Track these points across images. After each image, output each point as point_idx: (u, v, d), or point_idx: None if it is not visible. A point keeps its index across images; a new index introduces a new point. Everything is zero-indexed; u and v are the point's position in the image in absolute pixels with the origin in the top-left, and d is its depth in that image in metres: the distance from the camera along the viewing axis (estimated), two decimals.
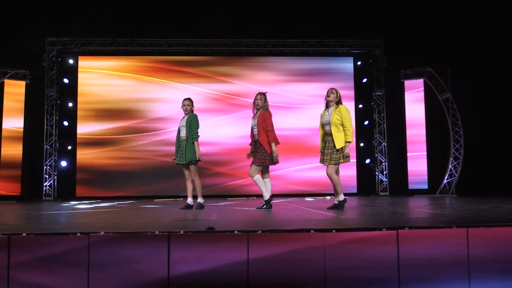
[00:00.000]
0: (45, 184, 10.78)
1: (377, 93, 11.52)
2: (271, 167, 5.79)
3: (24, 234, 2.78)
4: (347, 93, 10.91)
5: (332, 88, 5.20)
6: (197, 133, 5.74)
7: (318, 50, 11.42)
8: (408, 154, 10.97)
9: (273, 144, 5.49)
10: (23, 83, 10.57)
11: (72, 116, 11.04)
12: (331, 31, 11.16)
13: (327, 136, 5.13)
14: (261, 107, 5.64)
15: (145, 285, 2.67)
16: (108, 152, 10.94)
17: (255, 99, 5.69)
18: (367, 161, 11.51)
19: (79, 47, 11.10)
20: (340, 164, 5.08)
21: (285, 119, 10.83)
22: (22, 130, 10.43)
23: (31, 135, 10.69)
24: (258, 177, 5.60)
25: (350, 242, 2.80)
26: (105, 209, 6.16)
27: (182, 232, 2.79)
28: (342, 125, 5.01)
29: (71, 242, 2.72)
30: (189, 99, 5.90)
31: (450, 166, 10.68)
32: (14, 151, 10.28)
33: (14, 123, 10.37)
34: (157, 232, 2.78)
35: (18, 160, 10.30)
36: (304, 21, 10.89)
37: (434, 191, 10.64)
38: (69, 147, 10.93)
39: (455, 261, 2.82)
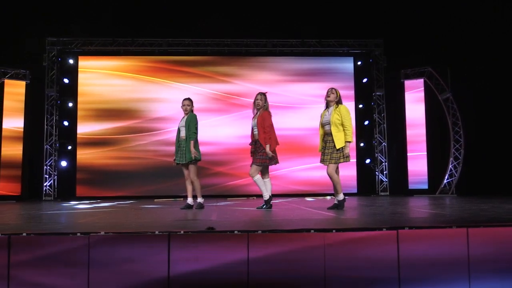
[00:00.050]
0: (45, 184, 10.78)
1: (377, 93, 11.52)
2: (271, 167, 5.79)
3: (24, 234, 2.78)
4: (347, 93, 10.90)
5: (332, 88, 5.20)
6: (195, 132, 5.72)
7: (318, 50, 11.43)
8: (408, 154, 10.97)
9: (267, 146, 5.47)
10: (23, 83, 10.57)
11: (72, 116, 11.04)
12: (331, 31, 11.16)
13: (327, 136, 5.13)
14: (261, 107, 5.64)
15: (145, 285, 2.67)
16: (108, 152, 10.95)
17: (255, 99, 5.69)
18: (367, 161, 11.51)
19: (79, 47, 11.10)
20: (340, 164, 5.08)
21: (285, 119, 10.82)
22: (22, 130, 10.43)
23: (31, 135, 10.70)
24: (258, 177, 5.59)
25: (350, 242, 2.80)
26: (105, 209, 6.16)
27: (182, 232, 2.79)
28: (342, 125, 5.01)
29: (71, 242, 2.72)
30: (188, 99, 5.90)
31: (450, 166, 10.69)
32: (14, 151, 10.28)
33: (14, 123, 10.37)
34: (157, 232, 2.78)
35: (18, 160, 10.30)
36: (304, 21, 10.89)
37: (434, 191, 10.64)
38: (69, 147, 10.93)
39: (455, 261, 2.82)
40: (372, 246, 2.79)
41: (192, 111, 5.87)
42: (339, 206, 5.21)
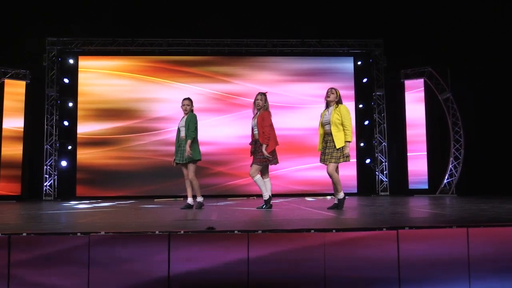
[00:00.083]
0: (45, 184, 10.78)
1: (377, 93, 11.52)
2: (271, 167, 5.79)
3: (24, 234, 2.78)
4: (347, 93, 10.91)
5: (332, 88, 5.20)
6: (194, 131, 5.68)
7: (318, 50, 11.43)
8: (408, 154, 10.97)
9: (264, 146, 5.46)
10: (23, 83, 10.58)
11: (72, 116, 11.04)
12: (331, 31, 11.16)
13: (327, 135, 5.13)
14: (262, 107, 5.64)
15: (145, 285, 2.67)
16: (108, 152, 10.95)
17: (256, 99, 5.68)
18: (367, 161, 11.51)
19: (79, 47, 11.10)
20: (340, 164, 5.09)
21: (285, 119, 10.82)
22: (22, 130, 10.44)
23: (31, 135, 10.70)
24: (258, 177, 5.59)
25: (350, 242, 2.80)
26: (105, 209, 6.16)
27: (182, 232, 2.79)
28: (342, 124, 5.01)
29: (71, 242, 2.72)
30: (188, 99, 5.89)
31: (450, 166, 10.69)
32: (14, 151, 10.28)
33: (14, 123, 10.37)
34: (157, 232, 2.78)
35: (18, 160, 10.30)
36: (304, 21, 10.89)
37: (434, 191, 10.64)
38: (69, 147, 10.93)
39: (455, 261, 2.82)
40: (372, 246, 2.79)
41: (192, 111, 5.86)
42: (339, 205, 5.21)
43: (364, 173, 11.46)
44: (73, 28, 10.74)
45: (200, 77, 11.26)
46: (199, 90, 11.09)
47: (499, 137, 9.66)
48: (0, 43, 9.99)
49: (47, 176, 10.82)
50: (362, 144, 11.42)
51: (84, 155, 10.92)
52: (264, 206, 5.64)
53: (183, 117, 5.85)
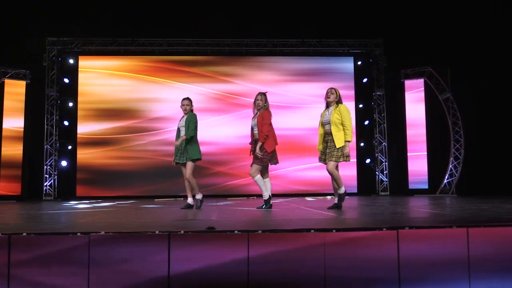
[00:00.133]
0: (45, 184, 10.78)
1: (377, 93, 11.52)
2: (271, 167, 5.79)
3: (24, 234, 2.78)
4: (347, 93, 10.90)
5: (332, 88, 5.20)
6: (194, 130, 5.66)
7: (318, 50, 11.43)
8: (408, 154, 10.97)
9: (259, 143, 5.45)
10: (23, 83, 10.58)
11: (72, 116, 11.04)
12: (331, 31, 11.16)
13: (327, 135, 5.14)
14: (262, 107, 5.63)
15: (145, 285, 2.67)
16: (108, 152, 10.95)
17: (256, 99, 5.68)
18: (367, 161, 11.51)
19: (79, 47, 11.10)
20: (340, 163, 5.10)
21: (285, 119, 10.82)
22: (22, 130, 10.44)
23: (31, 135, 10.70)
24: (258, 177, 5.59)
25: (350, 242, 2.80)
26: (105, 209, 6.16)
27: (182, 232, 2.79)
28: (342, 124, 5.02)
29: (71, 242, 2.72)
30: (188, 98, 5.88)
31: (450, 166, 10.69)
32: (14, 151, 10.28)
33: (14, 123, 10.37)
34: (157, 232, 2.78)
35: (18, 160, 10.30)
36: (304, 21, 10.89)
37: (434, 191, 10.64)
38: (69, 147, 10.93)
39: (455, 261, 2.82)
40: (372, 246, 2.79)
41: (191, 110, 5.85)
42: (339, 200, 5.22)
43: (364, 173, 11.46)
44: (73, 28, 10.74)
45: (200, 77, 11.26)
46: (199, 90, 11.09)
47: (499, 137, 9.66)
48: (0, 43, 9.99)
49: (47, 176, 10.82)
50: (362, 144, 11.42)
51: (84, 155, 10.92)
52: (264, 206, 5.64)
53: (183, 117, 5.84)
